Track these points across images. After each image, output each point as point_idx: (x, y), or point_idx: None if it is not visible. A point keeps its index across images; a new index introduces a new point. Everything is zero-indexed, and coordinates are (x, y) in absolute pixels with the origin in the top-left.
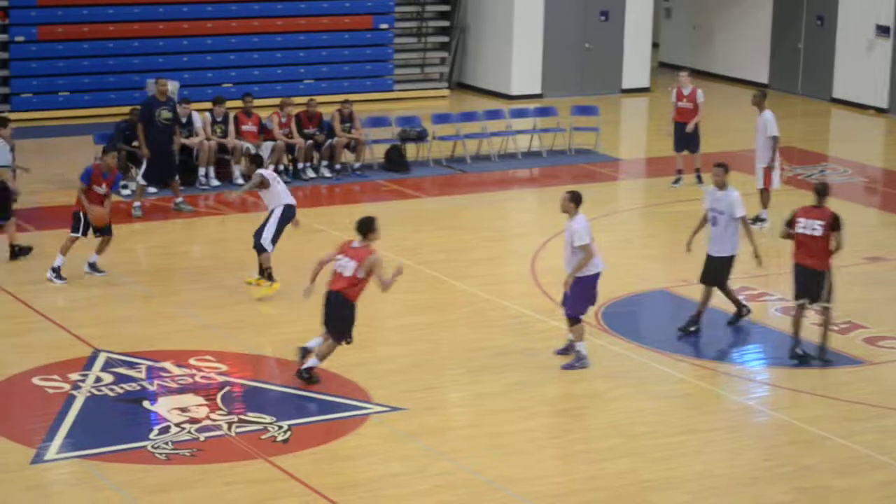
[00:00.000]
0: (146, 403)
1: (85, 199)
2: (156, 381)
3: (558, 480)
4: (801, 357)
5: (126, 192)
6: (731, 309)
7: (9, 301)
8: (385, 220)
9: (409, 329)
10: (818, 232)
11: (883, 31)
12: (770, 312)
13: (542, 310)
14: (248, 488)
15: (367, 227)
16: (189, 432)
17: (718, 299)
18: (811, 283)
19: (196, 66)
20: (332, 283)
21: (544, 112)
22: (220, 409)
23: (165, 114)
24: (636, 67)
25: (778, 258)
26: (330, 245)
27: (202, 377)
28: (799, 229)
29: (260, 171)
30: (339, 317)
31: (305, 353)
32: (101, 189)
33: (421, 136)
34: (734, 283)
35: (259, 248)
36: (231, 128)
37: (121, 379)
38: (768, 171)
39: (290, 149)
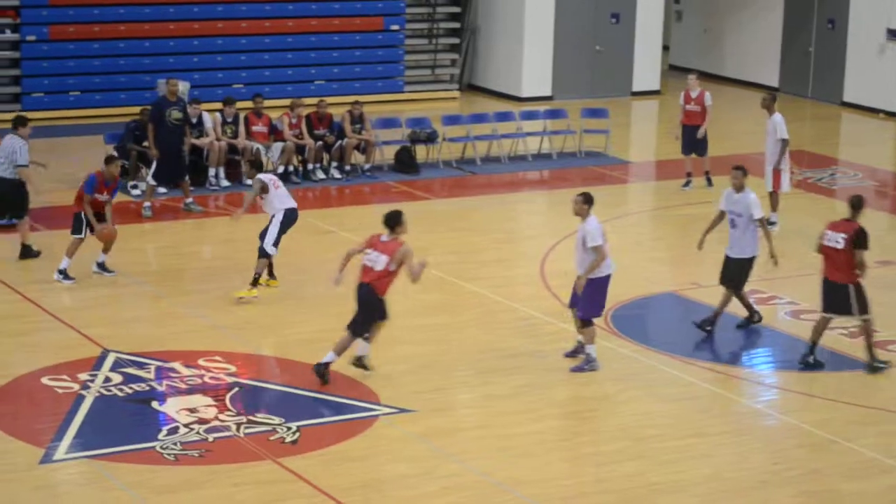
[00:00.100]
0: (155, 404)
1: (89, 208)
2: (165, 382)
3: (567, 483)
4: (809, 365)
5: (136, 192)
6: (743, 313)
7: (17, 300)
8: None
9: (418, 330)
10: (840, 245)
11: (894, 34)
12: (779, 316)
13: (551, 312)
14: (257, 489)
15: (394, 221)
16: (198, 433)
17: (730, 303)
18: (837, 298)
19: (207, 66)
20: (362, 276)
21: (554, 114)
22: (229, 409)
23: (176, 114)
24: (646, 70)
25: (788, 261)
26: (339, 246)
27: (211, 378)
28: (826, 242)
29: (259, 175)
30: (369, 308)
31: (359, 361)
32: (103, 196)
33: (431, 138)
34: (745, 286)
35: (261, 253)
36: (241, 128)
37: (130, 379)
38: (777, 173)
39: (300, 150)
